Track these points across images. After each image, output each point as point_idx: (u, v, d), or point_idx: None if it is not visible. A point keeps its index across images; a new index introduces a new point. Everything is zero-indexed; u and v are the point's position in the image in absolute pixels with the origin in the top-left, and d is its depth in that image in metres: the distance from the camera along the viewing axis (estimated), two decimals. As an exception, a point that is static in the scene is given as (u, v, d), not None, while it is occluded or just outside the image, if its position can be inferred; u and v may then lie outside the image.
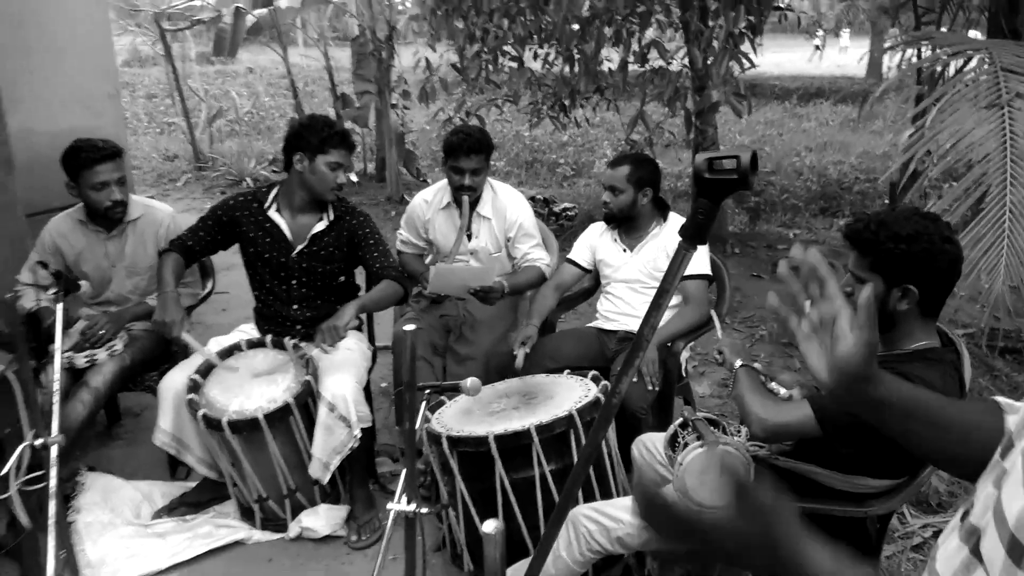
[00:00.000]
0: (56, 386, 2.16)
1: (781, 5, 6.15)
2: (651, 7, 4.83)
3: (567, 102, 5.76)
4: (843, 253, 1.96)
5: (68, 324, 2.79)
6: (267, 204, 2.97)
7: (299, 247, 2.96)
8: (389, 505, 1.88)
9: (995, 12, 4.73)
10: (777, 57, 23.55)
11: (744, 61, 4.63)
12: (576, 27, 5.20)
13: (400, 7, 8.42)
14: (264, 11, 7.72)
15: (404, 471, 1.90)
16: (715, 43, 4.79)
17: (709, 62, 4.67)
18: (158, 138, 11.90)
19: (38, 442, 2.11)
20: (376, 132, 8.35)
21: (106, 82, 5.87)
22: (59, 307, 2.25)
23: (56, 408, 2.20)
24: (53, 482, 2.09)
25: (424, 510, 1.88)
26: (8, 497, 2.29)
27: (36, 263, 2.58)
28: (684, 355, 3.04)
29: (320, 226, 2.96)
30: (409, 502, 1.87)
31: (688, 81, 5.14)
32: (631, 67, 5.28)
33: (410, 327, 1.73)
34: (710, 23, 4.90)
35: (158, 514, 2.92)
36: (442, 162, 3.22)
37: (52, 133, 3.65)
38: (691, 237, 0.88)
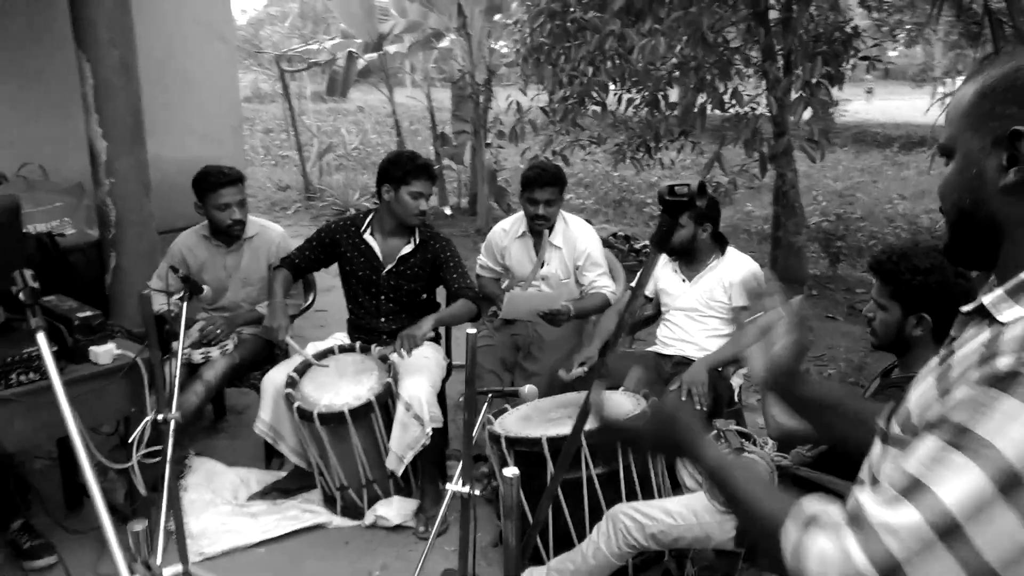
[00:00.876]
0: (176, 368, 2.55)
1: (869, 56, 6.26)
2: (731, 57, 5.08)
3: (652, 144, 6.03)
4: None
5: (188, 325, 3.24)
6: (363, 228, 3.36)
7: (388, 266, 3.33)
8: (448, 486, 2.18)
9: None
10: (885, 104, 23.13)
11: (819, 108, 4.80)
12: (662, 73, 5.50)
13: (502, 52, 8.93)
14: (374, 55, 8.35)
15: (462, 459, 2.20)
16: (793, 91, 4.98)
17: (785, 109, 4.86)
18: (272, 169, 12.79)
19: (159, 417, 2.51)
20: (471, 169, 8.82)
21: (230, 116, 6.53)
22: (184, 305, 2.67)
23: (176, 391, 2.60)
24: (169, 452, 2.47)
25: (477, 492, 2.18)
26: (130, 467, 2.71)
27: (168, 267, 3.03)
28: (736, 381, 3.23)
29: (407, 248, 3.33)
30: (464, 484, 2.16)
31: (766, 126, 5.34)
32: (712, 112, 5.53)
33: (472, 330, 2.04)
34: (792, 71, 5.11)
35: (253, 497, 3.30)
36: (519, 194, 3.55)
37: (180, 160, 4.14)
38: (657, 244, 1.15)
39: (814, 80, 4.75)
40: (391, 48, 8.46)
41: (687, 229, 3.24)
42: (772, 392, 1.19)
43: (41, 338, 1.69)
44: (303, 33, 14.81)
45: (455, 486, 2.17)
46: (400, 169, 3.19)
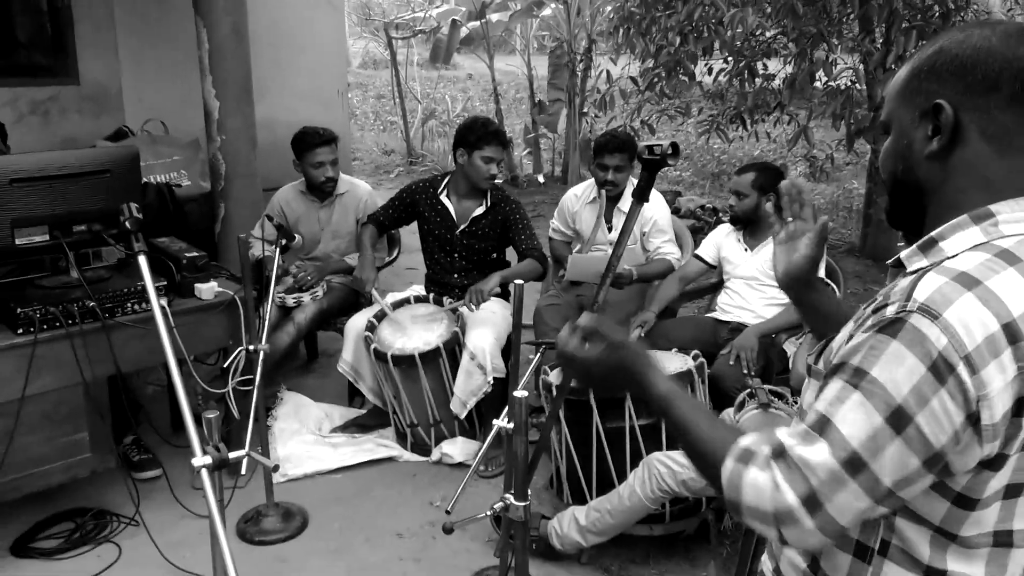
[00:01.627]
0: (269, 306, 2.87)
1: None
2: (825, 30, 5.01)
3: (746, 116, 5.98)
4: None
5: (283, 273, 3.59)
6: (440, 190, 3.61)
7: (462, 226, 3.57)
8: (495, 422, 2.41)
9: None
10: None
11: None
12: (757, 43, 5.46)
13: (602, 21, 8.97)
14: (476, 23, 8.56)
15: (506, 406, 2.42)
16: (888, 64, 4.87)
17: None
18: (380, 134, 13.27)
19: (251, 348, 2.84)
20: (564, 137, 8.96)
21: (337, 81, 6.90)
22: (277, 251, 2.99)
23: (267, 326, 2.92)
24: (258, 379, 2.80)
25: (531, 437, 2.40)
26: (226, 392, 3.07)
27: (264, 216, 3.37)
28: (790, 348, 3.31)
29: (479, 210, 3.56)
30: (509, 422, 2.38)
31: (859, 99, 5.24)
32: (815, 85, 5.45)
33: (520, 281, 2.25)
34: (889, 44, 4.99)
35: (335, 430, 3.64)
36: (591, 160, 3.71)
37: (289, 123, 4.45)
38: (636, 196, 1.31)
39: (909, 54, 4.63)
40: (494, 16, 8.65)
41: (750, 198, 3.33)
42: (787, 292, 1.30)
43: (142, 261, 1.99)
44: (413, 1, 15.17)
45: (501, 422, 2.40)
46: (474, 135, 3.40)
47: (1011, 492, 0.94)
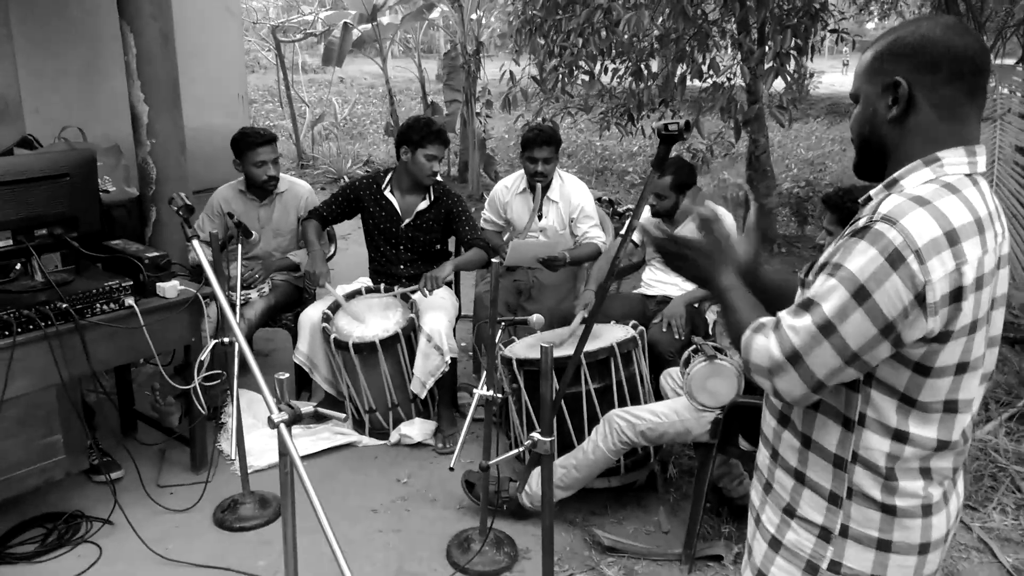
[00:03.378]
0: (237, 301, 2.98)
1: (837, 28, 6.72)
2: (709, 30, 5.50)
3: (634, 112, 6.44)
4: None
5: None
6: (383, 185, 3.79)
7: (406, 220, 3.77)
8: (475, 390, 2.65)
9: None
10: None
11: (789, 78, 5.25)
12: (644, 45, 5.90)
13: (486, 25, 9.26)
14: (368, 26, 8.66)
15: (485, 371, 2.67)
16: (765, 62, 5.42)
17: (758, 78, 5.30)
18: (264, 139, 13.02)
19: (226, 340, 2.94)
20: (460, 137, 9.20)
21: (237, 85, 6.87)
22: (239, 247, 3.09)
23: (233, 321, 3.01)
24: (236, 368, 2.91)
25: (499, 395, 2.65)
26: (192, 388, 3.14)
27: (226, 213, 3.44)
28: (711, 316, 3.71)
29: (423, 204, 3.77)
30: (488, 390, 2.63)
31: (741, 95, 5.78)
32: (692, 82, 5.95)
33: (496, 259, 2.50)
34: (765, 43, 5.54)
35: (288, 423, 3.74)
36: (519, 154, 3.99)
37: (193, 128, 4.49)
38: (654, 166, 1.60)
39: (784, 51, 5.19)
40: (384, 19, 8.78)
41: (669, 199, 3.68)
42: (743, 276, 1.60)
43: (196, 244, 2.12)
44: (288, 3, 14.97)
45: (481, 391, 2.64)
46: (417, 133, 3.61)
47: (960, 369, 1.28)
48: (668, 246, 1.47)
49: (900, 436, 1.29)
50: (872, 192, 1.34)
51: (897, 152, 1.33)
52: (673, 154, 3.91)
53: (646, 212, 3.93)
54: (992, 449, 3.37)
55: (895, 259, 1.18)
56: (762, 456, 1.50)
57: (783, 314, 1.29)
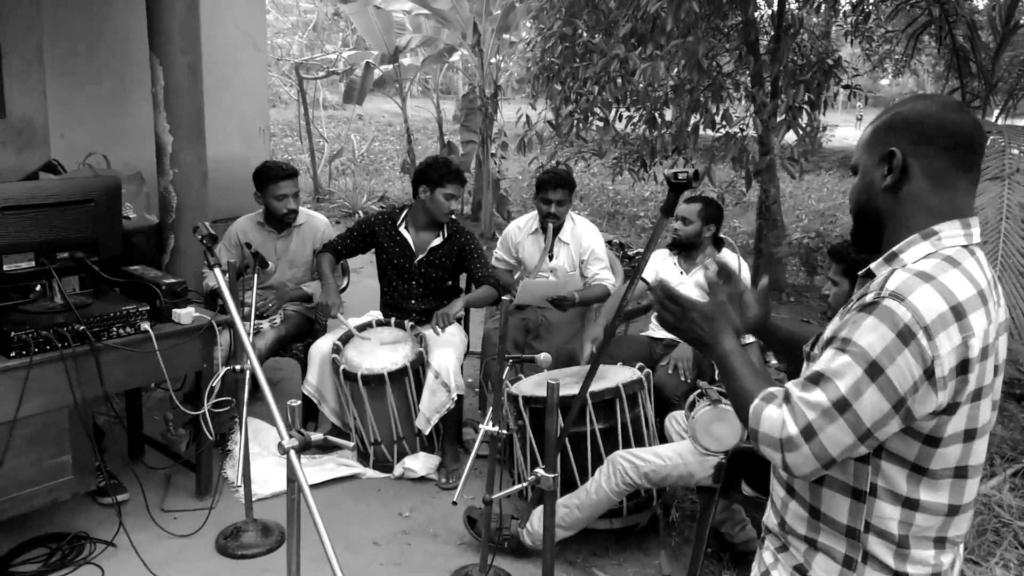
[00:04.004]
0: (251, 330, 3.03)
1: (850, 84, 6.84)
2: (723, 82, 5.61)
3: (647, 159, 6.55)
4: None
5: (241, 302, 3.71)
6: (399, 222, 3.87)
7: (420, 256, 3.83)
8: (480, 426, 2.68)
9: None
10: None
11: (800, 131, 5.34)
12: (659, 94, 6.02)
13: (504, 69, 9.46)
14: (389, 67, 8.86)
15: (490, 409, 2.70)
16: (778, 115, 5.52)
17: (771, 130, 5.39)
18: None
19: (238, 367, 2.99)
20: (475, 177, 9.34)
21: (259, 119, 7.00)
22: (255, 277, 3.16)
23: (250, 347, 3.07)
24: (246, 396, 2.95)
25: (505, 431, 2.68)
26: (202, 414, 3.17)
27: (243, 244, 3.51)
28: (717, 362, 3.73)
29: (437, 241, 3.84)
30: (494, 426, 2.66)
31: (753, 146, 5.88)
32: (705, 132, 6.06)
33: (507, 297, 2.54)
34: (778, 96, 5.65)
35: (294, 453, 3.76)
36: (533, 195, 4.06)
37: (217, 159, 4.58)
38: (664, 211, 1.66)
39: (796, 105, 5.29)
40: (405, 60, 8.97)
41: (695, 225, 3.74)
42: (754, 336, 1.65)
43: (218, 273, 2.17)
44: (311, 42, 15.31)
45: (486, 426, 2.67)
46: (436, 172, 3.70)
47: (968, 436, 1.31)
48: (670, 306, 1.48)
49: (911, 504, 1.32)
50: (873, 266, 1.37)
51: (892, 221, 1.37)
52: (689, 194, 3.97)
53: (665, 252, 3.98)
54: (996, 504, 3.35)
55: (906, 335, 1.21)
56: (771, 521, 1.52)
57: (792, 387, 1.30)
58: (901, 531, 1.33)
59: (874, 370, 1.22)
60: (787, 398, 1.30)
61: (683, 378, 3.45)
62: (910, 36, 6.39)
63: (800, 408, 1.26)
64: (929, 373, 1.22)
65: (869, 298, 1.27)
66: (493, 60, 8.22)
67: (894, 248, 1.35)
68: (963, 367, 1.24)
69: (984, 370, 1.28)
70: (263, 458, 3.68)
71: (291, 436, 1.70)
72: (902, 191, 1.35)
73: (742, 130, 6.12)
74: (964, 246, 1.32)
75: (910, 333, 1.21)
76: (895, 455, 1.30)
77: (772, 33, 6.07)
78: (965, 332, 1.23)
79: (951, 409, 1.26)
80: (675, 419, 3.15)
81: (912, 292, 1.23)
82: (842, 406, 1.24)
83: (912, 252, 1.32)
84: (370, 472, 3.65)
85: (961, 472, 1.32)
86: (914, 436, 1.28)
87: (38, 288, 2.94)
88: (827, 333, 1.36)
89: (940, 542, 1.35)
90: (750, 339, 2.85)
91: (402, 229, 3.83)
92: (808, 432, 1.25)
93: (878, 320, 1.23)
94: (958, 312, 1.23)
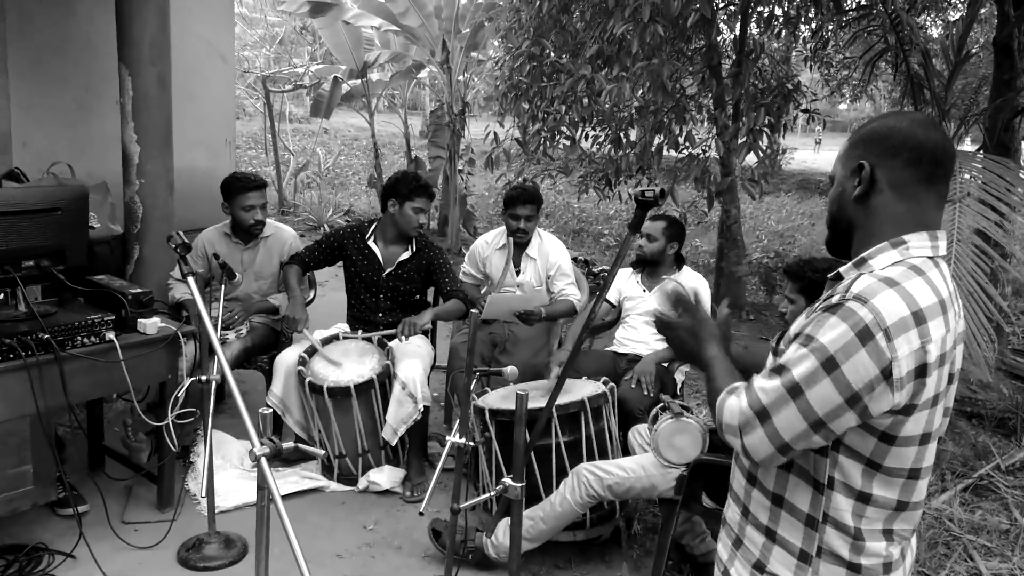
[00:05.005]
0: (216, 339, 3.02)
1: (808, 109, 7.03)
2: (687, 104, 5.74)
3: (612, 178, 6.65)
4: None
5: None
6: (367, 235, 3.89)
7: (388, 270, 3.86)
8: (448, 438, 2.70)
9: (991, 128, 5.55)
10: (831, 155, 24.40)
11: (761, 153, 5.48)
12: (624, 114, 6.14)
13: (472, 87, 9.54)
14: (357, 81, 8.88)
15: (458, 420, 2.73)
16: (739, 137, 5.66)
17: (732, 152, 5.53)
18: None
19: (204, 378, 2.98)
20: (442, 193, 9.38)
21: (225, 130, 6.98)
22: (222, 288, 3.16)
23: (223, 358, 3.06)
24: (211, 407, 2.94)
25: (471, 443, 2.70)
26: (165, 425, 3.15)
27: (212, 255, 3.50)
28: (679, 376, 3.81)
29: (405, 255, 3.87)
30: (461, 438, 2.68)
31: (715, 167, 6.01)
32: (668, 152, 6.18)
33: (476, 311, 2.58)
34: (740, 119, 5.79)
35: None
36: (502, 211, 4.12)
37: (181, 169, 4.56)
38: (631, 227, 1.72)
39: (757, 128, 5.43)
40: (373, 76, 9.01)
41: (659, 242, 3.83)
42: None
43: (191, 281, 2.17)
44: (277, 55, 15.26)
45: (453, 438, 2.69)
46: (406, 187, 3.73)
47: (924, 440, 1.38)
48: (663, 329, 1.60)
49: (863, 497, 1.39)
50: (842, 270, 1.45)
51: (861, 230, 1.45)
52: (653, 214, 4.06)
53: (629, 270, 4.05)
54: (947, 518, 3.46)
55: (864, 335, 1.28)
56: (732, 512, 1.58)
57: (755, 377, 1.40)
58: (855, 523, 1.39)
59: (830, 364, 1.29)
60: (748, 387, 1.39)
61: (646, 392, 3.51)
62: (867, 63, 6.60)
63: (756, 394, 1.36)
64: (887, 373, 1.28)
65: (835, 299, 1.34)
66: (461, 77, 8.29)
67: (863, 254, 1.42)
68: (921, 371, 1.31)
69: (941, 376, 1.35)
70: (225, 470, 3.66)
71: (262, 443, 1.71)
72: (870, 201, 1.42)
73: (704, 151, 6.26)
74: (930, 257, 1.39)
75: (869, 333, 1.28)
76: (852, 450, 1.37)
77: (734, 57, 6.23)
78: (924, 337, 1.30)
79: (908, 410, 1.33)
80: (638, 432, 3.21)
81: (875, 295, 1.30)
82: (795, 392, 1.32)
83: (881, 259, 1.39)
84: (334, 485, 3.64)
85: (914, 473, 1.40)
86: (871, 432, 1.35)
87: (0, 296, 2.91)
88: (793, 330, 1.43)
89: (888, 534, 1.42)
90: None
91: (371, 243, 3.86)
92: (763, 414, 1.34)
93: (840, 319, 1.30)
94: (919, 318, 1.30)
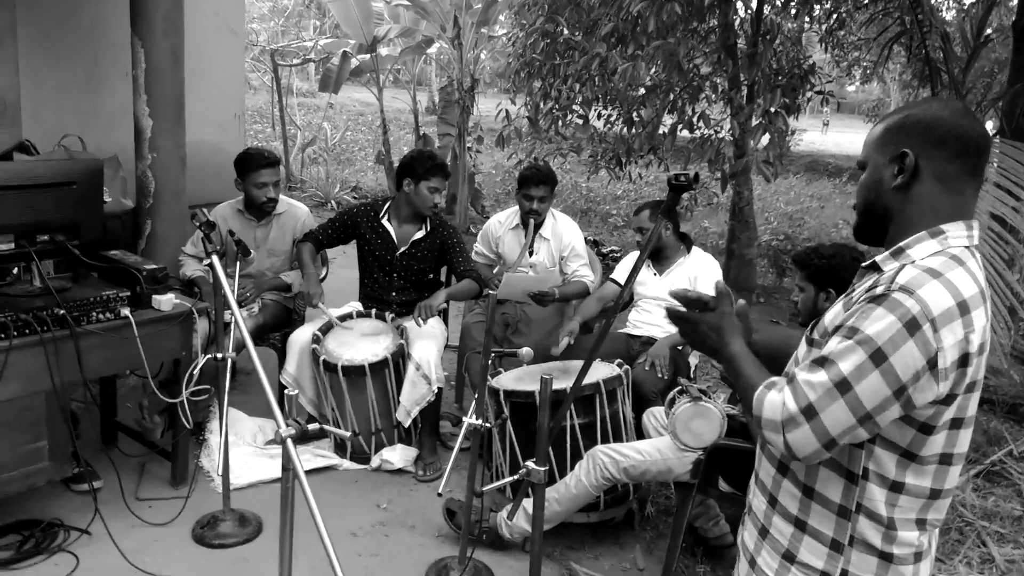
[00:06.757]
0: (233, 317, 3.00)
1: (823, 91, 6.95)
2: (702, 84, 5.68)
3: (623, 158, 6.60)
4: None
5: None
6: (381, 214, 3.86)
7: (402, 249, 3.83)
8: (464, 419, 2.70)
9: (1009, 113, 5.49)
10: (839, 137, 24.28)
11: (775, 135, 5.43)
12: (637, 94, 6.08)
13: (482, 63, 9.44)
14: (366, 56, 8.80)
15: (475, 401, 2.72)
16: (754, 118, 5.60)
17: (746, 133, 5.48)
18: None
19: (219, 356, 2.96)
20: (452, 169, 9.31)
21: (234, 104, 6.92)
22: (237, 264, 3.13)
23: (247, 335, 3.04)
24: (227, 384, 2.93)
25: (488, 424, 2.70)
26: (179, 402, 3.14)
27: (227, 232, 3.48)
28: (693, 360, 3.80)
29: (419, 234, 3.84)
30: (477, 419, 2.68)
31: (728, 148, 5.96)
32: (682, 133, 6.13)
33: (493, 291, 2.56)
34: (755, 100, 5.73)
35: (269, 443, 3.75)
36: (515, 191, 4.08)
37: (190, 143, 4.53)
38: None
39: (772, 109, 5.38)
40: (383, 51, 8.92)
41: (653, 228, 3.79)
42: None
43: (216, 260, 2.16)
44: (285, 28, 15.13)
45: (470, 419, 2.69)
46: (421, 166, 3.70)
47: (955, 424, 1.37)
48: (682, 324, 1.55)
49: (896, 487, 1.38)
50: (879, 259, 1.42)
51: (899, 219, 1.42)
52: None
53: (635, 254, 4.03)
54: (960, 504, 3.46)
55: (912, 326, 1.26)
56: (758, 501, 1.56)
57: (796, 370, 1.36)
58: (889, 512, 1.38)
59: (879, 356, 1.27)
60: (790, 380, 1.35)
61: (660, 375, 3.50)
62: (882, 45, 6.51)
63: (802, 388, 1.32)
64: (932, 364, 1.27)
65: (879, 290, 1.32)
66: (471, 54, 8.20)
67: (901, 244, 1.40)
68: (964, 360, 1.30)
69: (980, 365, 1.34)
70: (239, 448, 3.67)
71: (288, 424, 1.70)
72: (912, 191, 1.40)
73: (717, 132, 6.20)
74: (967, 246, 1.38)
75: (916, 325, 1.26)
76: (888, 441, 1.36)
77: (750, 37, 6.16)
78: (967, 327, 1.29)
79: (948, 400, 1.32)
80: (653, 415, 3.20)
81: (921, 287, 1.29)
82: (844, 387, 1.29)
83: (920, 249, 1.37)
84: (347, 463, 3.65)
85: (946, 459, 1.38)
86: (910, 424, 1.34)
87: (15, 271, 2.90)
88: (830, 320, 1.41)
89: (921, 523, 1.41)
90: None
91: (385, 221, 3.83)
92: (809, 411, 1.31)
93: (887, 311, 1.28)
94: (963, 308, 1.29)
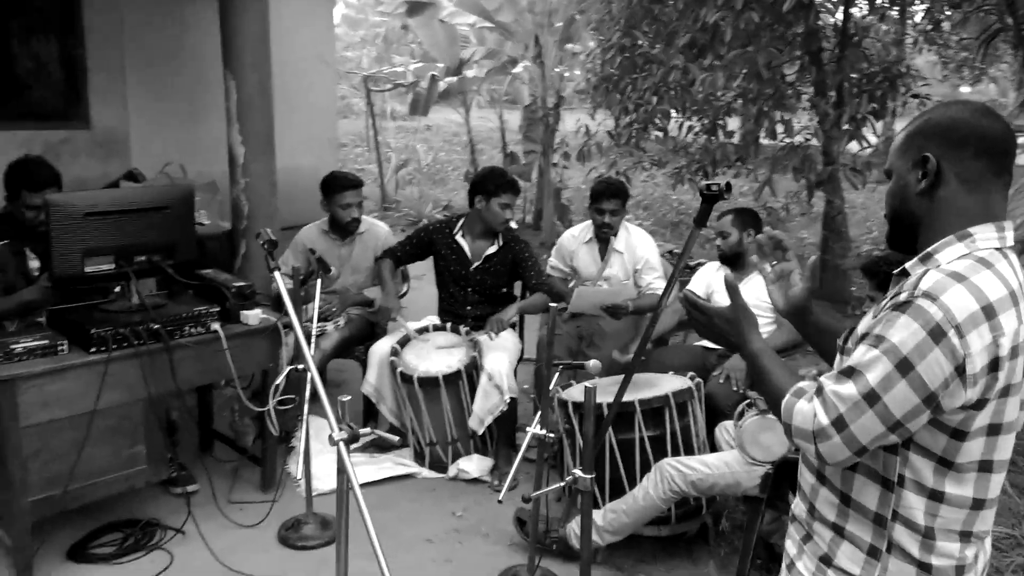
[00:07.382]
0: (314, 332, 3.18)
1: (918, 94, 6.68)
2: (785, 91, 5.57)
3: (709, 168, 6.52)
4: None
5: (307, 301, 3.88)
6: (455, 230, 3.98)
7: (475, 264, 3.94)
8: (528, 428, 2.75)
9: None
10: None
11: (863, 142, 5.26)
12: (721, 103, 6.01)
13: (570, 80, 9.54)
14: (454, 79, 9.04)
15: (539, 412, 2.77)
16: (841, 124, 5.45)
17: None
18: (351, 182, 13.59)
19: (300, 367, 3.13)
20: (537, 187, 9.42)
21: (328, 130, 7.26)
22: (318, 281, 3.30)
23: (306, 348, 3.20)
24: (308, 394, 3.08)
25: (552, 435, 2.74)
26: (267, 411, 3.33)
27: (308, 250, 3.68)
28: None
29: (492, 249, 3.94)
30: (542, 429, 2.73)
31: (817, 155, 5.80)
32: (766, 141, 6.02)
33: (555, 304, 2.62)
34: (842, 106, 5.57)
35: (354, 451, 3.89)
36: (588, 205, 4.12)
37: (285, 168, 4.81)
38: (696, 222, 1.71)
39: (860, 116, 5.22)
40: (469, 72, 9.15)
41: (734, 235, 3.75)
42: (789, 319, 1.66)
43: (278, 276, 2.31)
44: (380, 55, 15.69)
45: (534, 429, 2.74)
46: (492, 183, 3.81)
47: (992, 431, 1.33)
48: (696, 315, 1.57)
49: (936, 496, 1.35)
50: (907, 265, 1.40)
51: (927, 224, 1.40)
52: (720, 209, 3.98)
53: (716, 264, 4.00)
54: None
55: (937, 334, 1.24)
56: (799, 508, 1.55)
57: (825, 380, 1.36)
58: (927, 522, 1.36)
59: (904, 366, 1.26)
60: (819, 391, 1.35)
61: (735, 388, 3.45)
62: (980, 43, 6.22)
63: (832, 400, 1.32)
64: (960, 370, 1.25)
65: (903, 297, 1.31)
66: (555, 71, 8.31)
67: (929, 249, 1.38)
68: (994, 365, 1.27)
69: (1014, 368, 1.30)
70: (324, 455, 3.82)
71: (340, 429, 1.80)
72: (936, 195, 1.38)
73: (805, 139, 6.05)
74: (997, 248, 1.34)
75: (941, 331, 1.24)
76: (922, 447, 1.34)
77: (837, 41, 5.99)
78: (995, 331, 1.26)
79: (979, 405, 1.29)
80: (725, 429, 3.16)
81: (944, 292, 1.26)
82: (872, 398, 1.28)
83: (947, 253, 1.35)
84: (426, 472, 3.75)
85: (985, 466, 1.35)
86: (941, 429, 1.31)
87: (117, 289, 3.14)
88: (861, 329, 1.40)
89: (966, 536, 1.37)
90: None
91: (458, 237, 3.95)
92: (839, 423, 1.31)
93: (910, 318, 1.27)
94: (989, 312, 1.26)
